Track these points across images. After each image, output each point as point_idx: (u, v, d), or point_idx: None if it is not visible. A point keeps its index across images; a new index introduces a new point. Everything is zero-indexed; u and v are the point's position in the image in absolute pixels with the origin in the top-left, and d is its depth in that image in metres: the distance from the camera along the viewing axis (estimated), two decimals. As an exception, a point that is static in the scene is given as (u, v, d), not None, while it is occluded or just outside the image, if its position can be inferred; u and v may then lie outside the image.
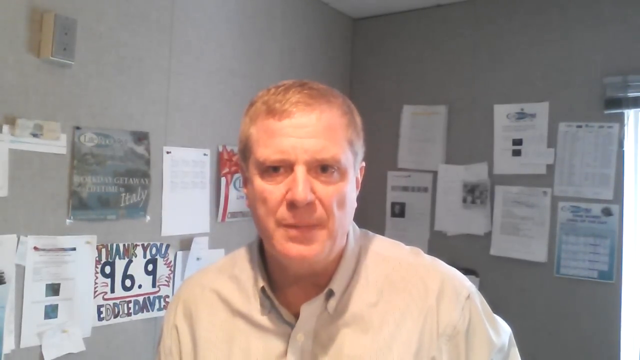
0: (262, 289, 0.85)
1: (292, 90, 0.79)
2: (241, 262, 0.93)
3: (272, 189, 0.77)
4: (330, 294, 0.82)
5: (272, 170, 0.77)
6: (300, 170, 0.75)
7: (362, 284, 0.85)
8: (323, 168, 0.77)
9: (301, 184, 0.74)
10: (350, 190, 0.81)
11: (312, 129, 0.76)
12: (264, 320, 0.85)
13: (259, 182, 0.78)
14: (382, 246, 0.91)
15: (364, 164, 0.88)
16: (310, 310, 0.82)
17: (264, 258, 0.89)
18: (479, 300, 0.87)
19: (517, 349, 0.94)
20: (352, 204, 0.82)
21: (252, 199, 0.82)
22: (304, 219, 0.76)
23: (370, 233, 0.94)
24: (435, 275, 0.86)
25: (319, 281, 0.83)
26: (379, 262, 0.88)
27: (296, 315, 0.83)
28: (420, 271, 0.86)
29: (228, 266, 0.95)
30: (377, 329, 0.82)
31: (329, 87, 0.84)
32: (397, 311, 0.83)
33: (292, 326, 0.83)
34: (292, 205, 0.75)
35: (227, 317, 0.89)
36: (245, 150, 0.82)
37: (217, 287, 0.92)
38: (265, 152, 0.77)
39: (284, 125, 0.77)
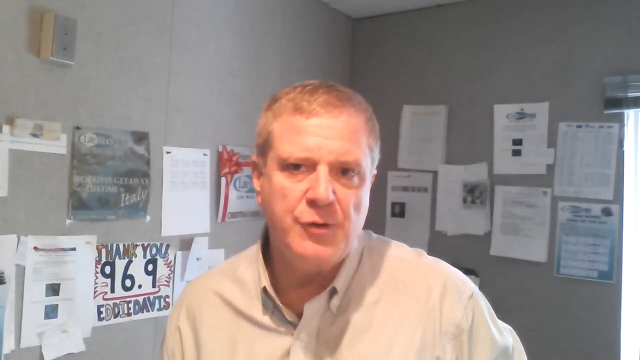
0: (264, 289, 0.85)
1: (320, 90, 0.80)
2: (245, 264, 0.93)
3: (292, 186, 0.77)
4: (334, 292, 0.82)
5: (294, 167, 0.77)
6: (323, 170, 0.76)
7: (364, 283, 0.85)
8: (344, 171, 0.78)
9: (323, 183, 0.75)
10: (366, 195, 0.82)
11: (338, 131, 0.77)
12: (266, 320, 0.85)
13: (278, 178, 0.78)
14: (385, 246, 0.91)
15: (376, 171, 0.88)
16: (313, 309, 0.82)
17: (267, 258, 0.88)
18: (482, 300, 0.87)
19: (524, 356, 0.93)
20: (365, 209, 0.83)
21: (267, 194, 0.81)
22: (324, 217, 0.76)
23: (374, 234, 0.94)
24: (438, 275, 0.85)
25: (324, 282, 0.83)
26: (382, 261, 0.88)
27: (299, 315, 0.83)
28: (423, 271, 0.86)
29: (231, 268, 0.95)
30: (379, 328, 0.82)
31: (354, 92, 0.85)
32: (399, 311, 0.83)
33: (295, 326, 0.83)
34: (312, 204, 0.76)
35: (230, 319, 0.89)
36: (265, 145, 0.82)
37: (219, 289, 0.92)
38: (289, 148, 0.77)
39: (310, 123, 0.77)
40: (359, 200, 0.79)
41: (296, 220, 0.77)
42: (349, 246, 0.82)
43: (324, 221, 0.76)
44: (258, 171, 0.86)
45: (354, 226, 0.80)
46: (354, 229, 0.80)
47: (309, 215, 0.76)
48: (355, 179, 0.79)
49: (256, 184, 0.87)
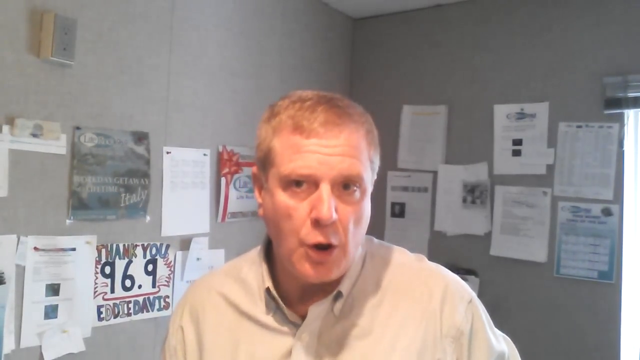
0: (267, 289, 0.86)
1: (320, 107, 0.79)
2: (248, 265, 0.94)
3: (296, 206, 0.78)
4: (339, 295, 0.84)
5: (295, 184, 0.78)
6: (325, 189, 0.76)
7: (366, 287, 0.87)
8: (345, 186, 0.78)
9: (326, 203, 0.75)
10: (367, 206, 0.83)
11: (340, 149, 0.78)
12: (269, 320, 0.87)
13: (281, 197, 0.79)
14: (387, 252, 0.93)
15: (376, 176, 0.89)
16: (317, 311, 0.84)
17: (270, 261, 0.90)
18: (480, 306, 0.89)
19: None
20: (367, 220, 0.84)
21: (271, 210, 0.82)
22: (328, 237, 0.77)
23: (376, 240, 0.95)
24: (439, 280, 0.87)
25: (326, 287, 0.84)
26: (384, 266, 0.90)
27: (301, 316, 0.84)
28: (424, 275, 0.88)
29: (235, 269, 0.96)
30: (380, 331, 0.83)
31: (352, 102, 0.85)
32: (400, 314, 0.84)
33: (297, 326, 0.84)
34: (316, 224, 0.76)
35: (233, 320, 0.90)
36: (266, 160, 0.82)
37: (223, 290, 0.93)
38: (290, 166, 0.77)
39: (311, 142, 0.77)
40: (359, 216, 0.80)
41: (301, 242, 0.78)
42: (350, 261, 0.83)
43: (328, 241, 0.77)
44: (259, 184, 0.86)
45: (355, 243, 0.82)
46: (355, 245, 0.82)
47: (313, 236, 0.77)
48: (357, 194, 0.79)
49: (258, 196, 0.87)
